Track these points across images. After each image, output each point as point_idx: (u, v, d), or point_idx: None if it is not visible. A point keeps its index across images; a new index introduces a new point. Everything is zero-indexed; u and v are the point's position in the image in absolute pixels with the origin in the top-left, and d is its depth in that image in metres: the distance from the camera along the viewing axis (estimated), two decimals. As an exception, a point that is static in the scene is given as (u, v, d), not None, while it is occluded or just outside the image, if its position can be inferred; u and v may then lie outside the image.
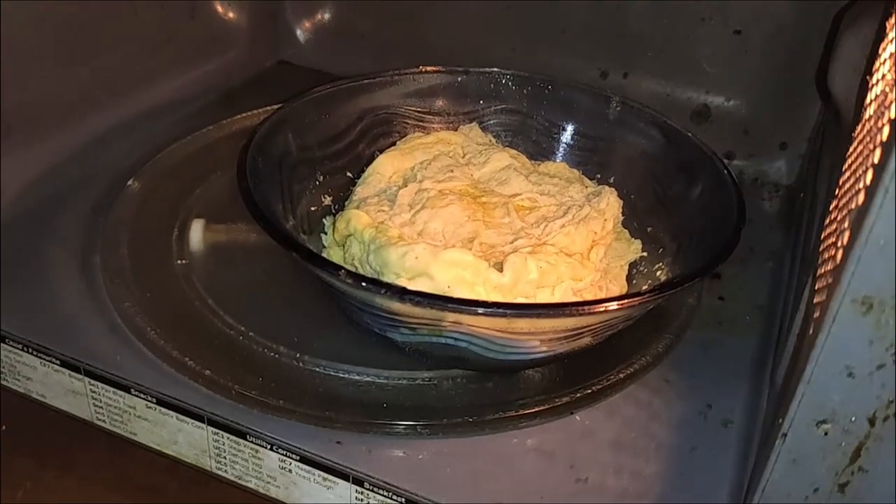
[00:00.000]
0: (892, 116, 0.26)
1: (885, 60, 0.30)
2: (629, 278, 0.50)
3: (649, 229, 0.51)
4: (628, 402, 0.46)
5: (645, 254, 0.50)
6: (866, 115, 0.31)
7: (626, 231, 0.52)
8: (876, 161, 0.26)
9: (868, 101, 0.31)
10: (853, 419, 0.29)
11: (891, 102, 0.27)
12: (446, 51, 0.74)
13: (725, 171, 0.48)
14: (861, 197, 0.27)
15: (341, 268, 0.38)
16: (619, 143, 0.55)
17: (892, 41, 0.30)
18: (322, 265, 0.39)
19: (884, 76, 0.30)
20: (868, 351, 0.27)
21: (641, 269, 0.50)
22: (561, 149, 0.56)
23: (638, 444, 0.43)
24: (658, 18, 0.67)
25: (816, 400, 0.29)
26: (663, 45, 0.68)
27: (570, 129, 0.56)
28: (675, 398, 0.46)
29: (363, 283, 0.38)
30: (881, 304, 0.26)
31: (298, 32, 0.79)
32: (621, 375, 0.46)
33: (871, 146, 0.28)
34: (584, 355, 0.45)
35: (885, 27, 0.33)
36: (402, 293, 0.37)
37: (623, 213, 0.52)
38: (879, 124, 0.27)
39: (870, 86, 0.32)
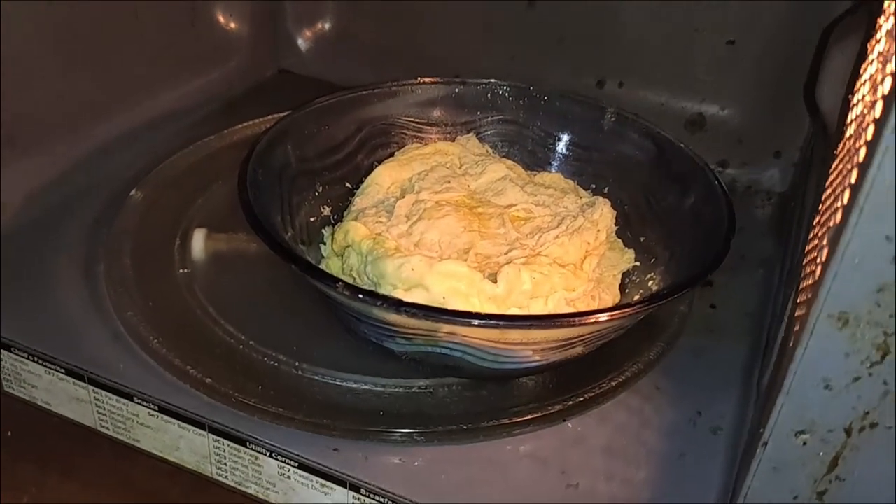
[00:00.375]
0: (869, 139, 0.27)
1: (864, 81, 0.31)
2: (622, 287, 0.50)
3: (642, 239, 0.52)
4: (620, 409, 0.47)
5: (638, 263, 0.51)
6: (847, 135, 0.32)
7: (620, 241, 0.53)
8: (853, 181, 0.28)
9: (849, 120, 0.32)
10: (830, 430, 0.30)
11: (868, 124, 0.28)
12: (445, 59, 0.75)
13: (717, 183, 0.49)
14: (839, 215, 0.28)
15: (339, 280, 0.39)
16: (613, 153, 0.56)
17: (871, 62, 0.31)
18: (320, 277, 0.40)
19: (863, 97, 0.31)
20: (844, 364, 0.28)
21: (634, 278, 0.51)
22: (556, 159, 0.57)
23: (628, 450, 0.44)
24: (653, 29, 0.68)
25: (795, 410, 0.30)
26: (658, 55, 0.69)
27: (565, 139, 0.57)
28: (666, 405, 0.47)
29: (360, 296, 0.39)
30: (856, 320, 0.27)
31: (299, 41, 0.80)
32: (613, 383, 0.47)
33: (848, 166, 0.29)
34: (576, 363, 0.46)
35: (866, 48, 0.34)
36: (398, 305, 0.38)
37: (617, 223, 0.53)
38: (857, 145, 0.28)
39: (851, 105, 0.33)
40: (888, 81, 0.26)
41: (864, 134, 0.28)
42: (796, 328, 0.31)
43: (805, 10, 0.63)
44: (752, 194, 0.68)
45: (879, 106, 0.27)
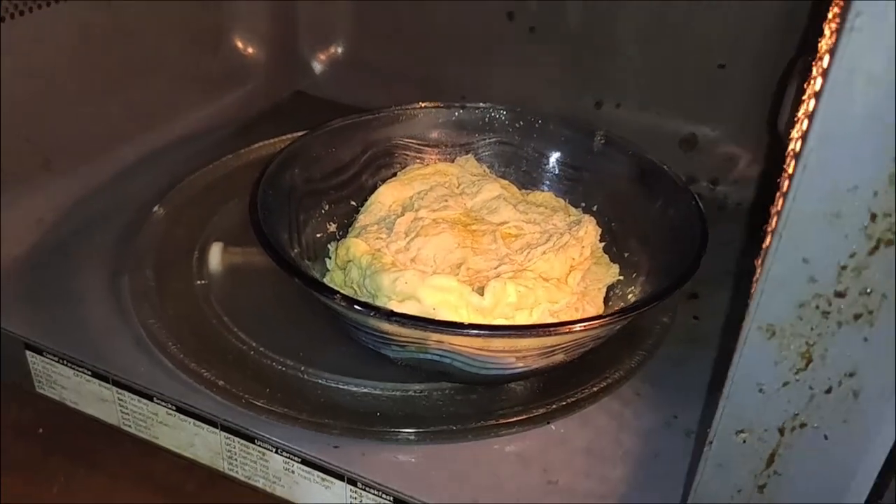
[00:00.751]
0: (790, 172, 0.31)
1: (799, 118, 0.35)
2: (607, 300, 0.54)
3: (626, 254, 0.56)
4: (601, 412, 0.50)
5: (622, 277, 0.55)
6: (784, 166, 0.36)
7: (607, 256, 0.57)
8: (778, 209, 0.31)
9: (787, 152, 0.36)
10: (766, 429, 0.33)
11: (792, 158, 0.31)
12: (452, 82, 0.79)
13: (694, 202, 0.53)
14: (769, 239, 0.32)
15: (337, 292, 0.43)
16: (602, 173, 0.59)
17: (804, 102, 0.35)
18: (320, 290, 0.44)
19: (795, 133, 0.34)
20: (774, 371, 0.32)
21: (618, 291, 0.54)
22: (549, 178, 0.61)
23: (607, 450, 0.48)
24: (648, 54, 0.72)
25: (735, 412, 0.34)
26: (653, 78, 0.73)
27: (557, 160, 0.61)
28: (645, 410, 0.51)
29: (355, 306, 0.43)
30: (782, 331, 0.31)
31: (314, 64, 0.85)
32: (595, 389, 0.51)
33: (777, 194, 0.33)
34: (563, 370, 0.49)
35: (804, 87, 0.37)
36: (389, 315, 0.42)
37: (604, 239, 0.57)
38: (784, 177, 0.32)
39: (790, 139, 0.36)
40: (806, 123, 0.30)
41: (787, 168, 0.31)
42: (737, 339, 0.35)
43: (789, 38, 0.66)
44: (743, 211, 0.71)
45: (800, 144, 0.30)
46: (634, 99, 0.75)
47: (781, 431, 0.33)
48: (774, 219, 0.31)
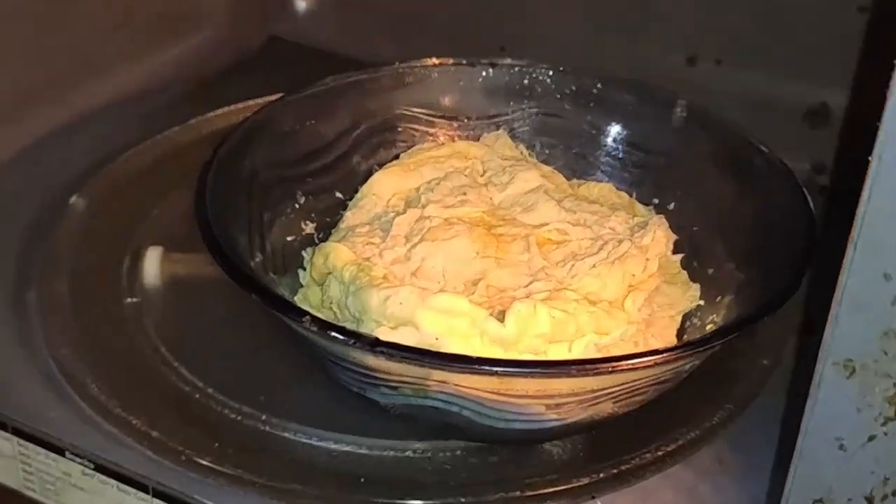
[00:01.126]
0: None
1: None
2: (682, 332, 0.58)
3: (711, 270, 0.60)
4: (666, 486, 0.54)
5: (702, 302, 0.59)
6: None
7: (685, 273, 0.61)
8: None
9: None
10: (849, 498, 0.38)
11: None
12: (484, 29, 0.84)
13: (801, 199, 0.57)
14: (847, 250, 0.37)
15: (306, 313, 0.48)
16: (682, 159, 0.64)
17: None
18: (285, 310, 0.49)
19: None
20: (856, 419, 0.37)
21: (695, 321, 0.58)
22: (608, 165, 0.66)
23: (671, 537, 0.53)
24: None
25: (811, 474, 0.39)
26: (769, 24, 0.77)
27: (621, 139, 0.66)
28: (729, 483, 0.55)
29: (330, 333, 0.48)
30: (863, 368, 0.36)
31: (295, 1, 0.90)
32: (660, 453, 0.55)
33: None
34: (614, 427, 0.54)
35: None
36: (373, 345, 0.46)
37: (682, 250, 0.61)
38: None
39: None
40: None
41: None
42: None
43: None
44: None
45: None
46: (741, 53, 0.78)
47: (870, 500, 0.38)
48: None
